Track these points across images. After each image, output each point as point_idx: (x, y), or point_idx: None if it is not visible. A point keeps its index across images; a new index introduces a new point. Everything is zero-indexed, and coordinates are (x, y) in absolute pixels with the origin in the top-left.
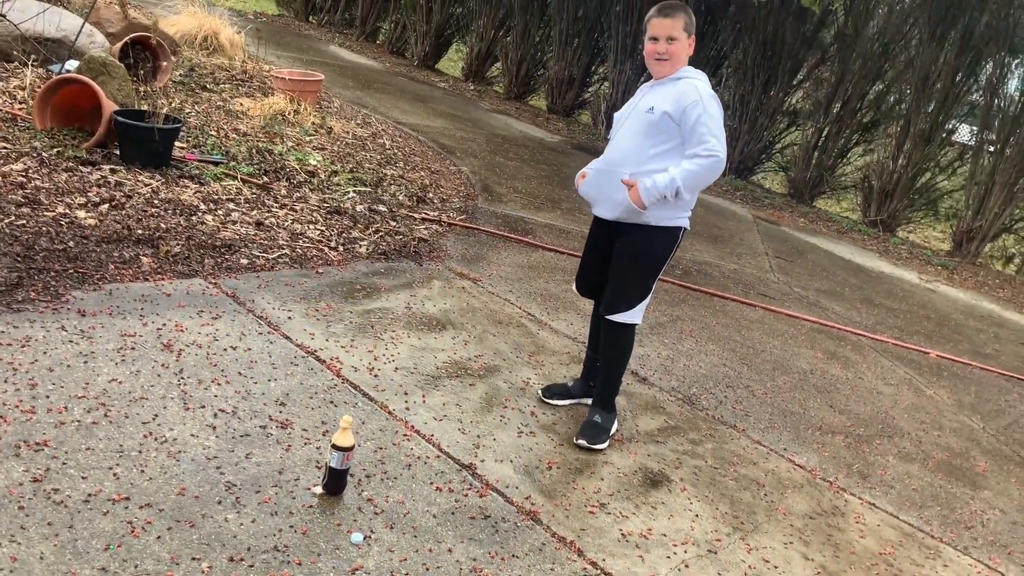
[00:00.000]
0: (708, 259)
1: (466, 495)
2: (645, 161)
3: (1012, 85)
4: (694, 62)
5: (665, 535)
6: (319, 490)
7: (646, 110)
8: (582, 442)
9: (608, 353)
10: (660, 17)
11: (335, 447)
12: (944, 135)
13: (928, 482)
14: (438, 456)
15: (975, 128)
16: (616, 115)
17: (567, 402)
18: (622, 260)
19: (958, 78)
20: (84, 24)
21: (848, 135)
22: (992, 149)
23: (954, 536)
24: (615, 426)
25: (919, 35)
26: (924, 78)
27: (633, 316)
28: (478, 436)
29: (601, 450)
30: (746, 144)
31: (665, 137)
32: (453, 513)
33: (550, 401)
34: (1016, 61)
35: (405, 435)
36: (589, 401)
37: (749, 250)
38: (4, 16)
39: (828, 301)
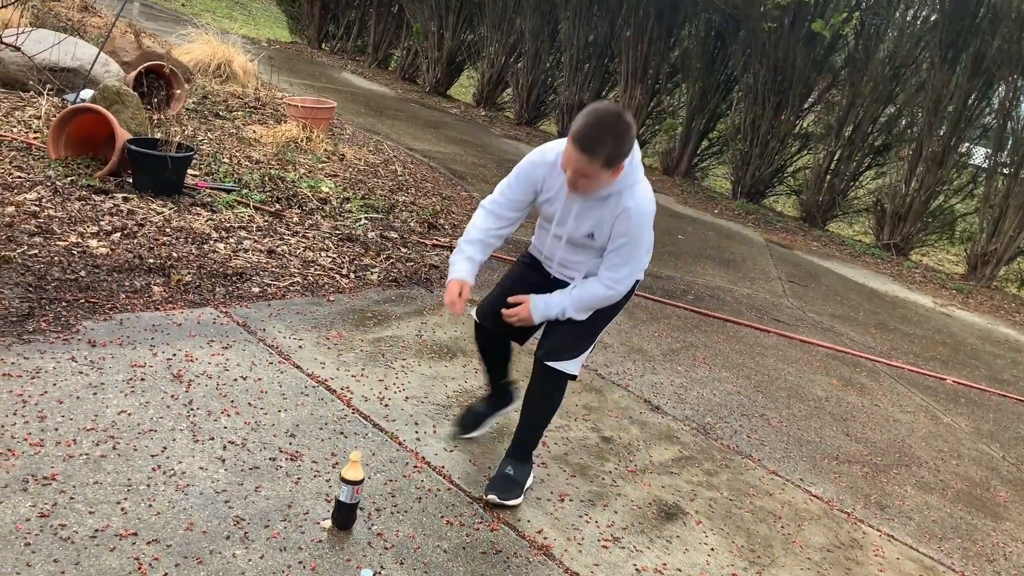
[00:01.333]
0: (721, 284)
1: (477, 529)
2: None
3: None
4: (704, 88)
5: (680, 570)
6: (328, 524)
7: (585, 235)
8: (492, 497)
9: (538, 405)
10: (576, 149)
11: (345, 480)
12: (957, 158)
13: (948, 513)
14: (449, 488)
15: (990, 150)
16: (552, 219)
17: (484, 429)
18: None
19: (970, 101)
20: (99, 54)
21: (860, 158)
22: (1006, 171)
23: (976, 569)
24: (530, 480)
25: (930, 58)
26: (936, 101)
27: (574, 366)
28: (489, 468)
29: (514, 506)
30: (757, 168)
31: (596, 251)
32: (464, 548)
33: (466, 436)
34: None
35: (416, 467)
36: (512, 409)
37: (762, 274)
38: (19, 48)
39: (842, 326)
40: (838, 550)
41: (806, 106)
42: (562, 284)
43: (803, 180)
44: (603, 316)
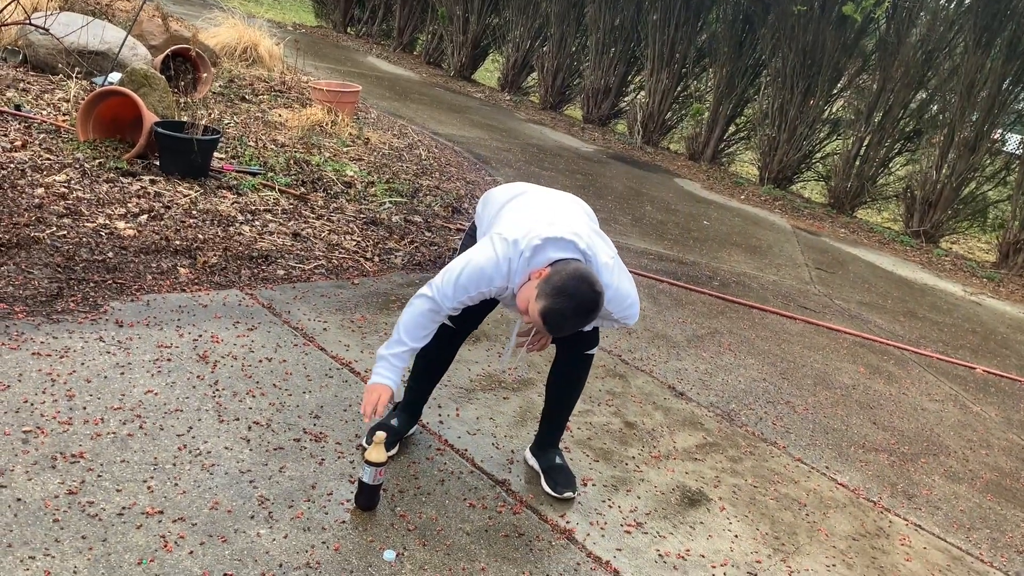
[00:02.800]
0: (746, 270)
1: (500, 512)
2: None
3: None
4: (732, 72)
5: (704, 556)
6: (352, 505)
7: None
8: (568, 494)
9: (575, 390)
10: (546, 328)
11: (368, 462)
12: (990, 144)
13: (976, 503)
14: (472, 471)
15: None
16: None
17: (395, 450)
18: None
19: (1004, 86)
20: (127, 37)
21: (890, 144)
22: None
23: (1005, 560)
24: None
25: (964, 42)
26: (969, 86)
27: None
28: (512, 451)
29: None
30: (785, 153)
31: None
32: (486, 530)
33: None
34: None
35: (439, 449)
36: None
37: (788, 261)
38: (47, 30)
39: (870, 314)
40: (864, 539)
41: (835, 91)
42: None
43: (831, 166)
44: None
